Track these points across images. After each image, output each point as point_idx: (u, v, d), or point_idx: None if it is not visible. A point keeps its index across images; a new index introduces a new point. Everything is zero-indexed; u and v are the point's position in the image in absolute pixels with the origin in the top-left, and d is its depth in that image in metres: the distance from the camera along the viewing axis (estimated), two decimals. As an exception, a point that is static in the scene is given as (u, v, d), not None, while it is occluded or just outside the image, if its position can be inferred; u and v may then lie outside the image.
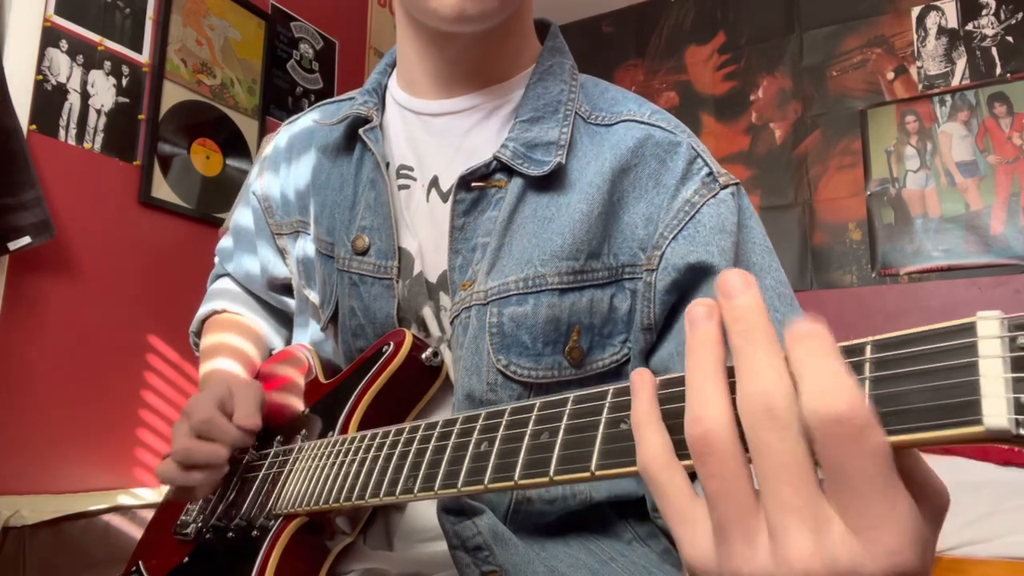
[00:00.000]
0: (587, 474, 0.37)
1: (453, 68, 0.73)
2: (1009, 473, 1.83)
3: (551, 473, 0.39)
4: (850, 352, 0.31)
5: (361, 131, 0.74)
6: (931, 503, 0.31)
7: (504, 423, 0.44)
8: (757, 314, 0.31)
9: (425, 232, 0.72)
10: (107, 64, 2.07)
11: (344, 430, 0.65)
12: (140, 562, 0.77)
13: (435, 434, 0.49)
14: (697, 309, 0.34)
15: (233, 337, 0.87)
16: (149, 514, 1.17)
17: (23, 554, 1.59)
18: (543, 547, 0.63)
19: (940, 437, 0.28)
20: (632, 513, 0.70)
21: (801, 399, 0.29)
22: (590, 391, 0.40)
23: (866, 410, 0.28)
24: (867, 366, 0.31)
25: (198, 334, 0.93)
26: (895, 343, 0.30)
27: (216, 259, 0.98)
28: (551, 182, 0.67)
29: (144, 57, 2.17)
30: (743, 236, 0.67)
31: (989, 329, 0.28)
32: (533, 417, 0.42)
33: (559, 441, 0.40)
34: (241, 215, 0.92)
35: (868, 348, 0.31)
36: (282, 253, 0.85)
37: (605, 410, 0.39)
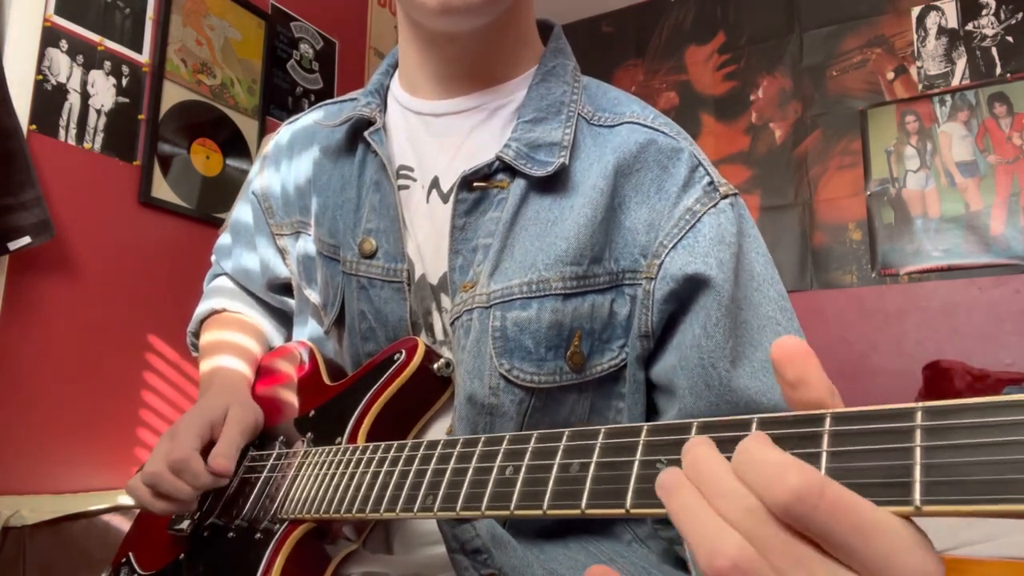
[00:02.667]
0: (621, 511, 0.37)
1: (453, 68, 0.72)
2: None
3: (583, 506, 0.39)
4: (896, 416, 0.31)
5: (366, 134, 0.73)
6: None
7: (531, 450, 0.44)
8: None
9: (424, 233, 0.71)
10: (107, 64, 2.07)
11: (353, 438, 0.64)
12: (130, 554, 0.76)
13: (455, 453, 0.49)
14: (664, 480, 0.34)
15: (236, 335, 0.86)
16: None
17: (23, 554, 1.58)
18: (542, 549, 0.63)
19: (997, 511, 0.27)
20: (631, 514, 0.70)
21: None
22: (622, 426, 0.40)
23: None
24: (917, 433, 0.30)
25: (196, 334, 0.92)
26: (948, 411, 0.30)
27: (213, 258, 0.97)
28: (554, 183, 0.67)
29: (144, 57, 2.17)
30: (747, 245, 0.66)
31: None
32: (562, 447, 0.42)
33: (591, 475, 0.40)
34: (241, 212, 0.91)
35: (919, 414, 0.30)
36: (282, 252, 0.85)
37: (640, 448, 0.39)
